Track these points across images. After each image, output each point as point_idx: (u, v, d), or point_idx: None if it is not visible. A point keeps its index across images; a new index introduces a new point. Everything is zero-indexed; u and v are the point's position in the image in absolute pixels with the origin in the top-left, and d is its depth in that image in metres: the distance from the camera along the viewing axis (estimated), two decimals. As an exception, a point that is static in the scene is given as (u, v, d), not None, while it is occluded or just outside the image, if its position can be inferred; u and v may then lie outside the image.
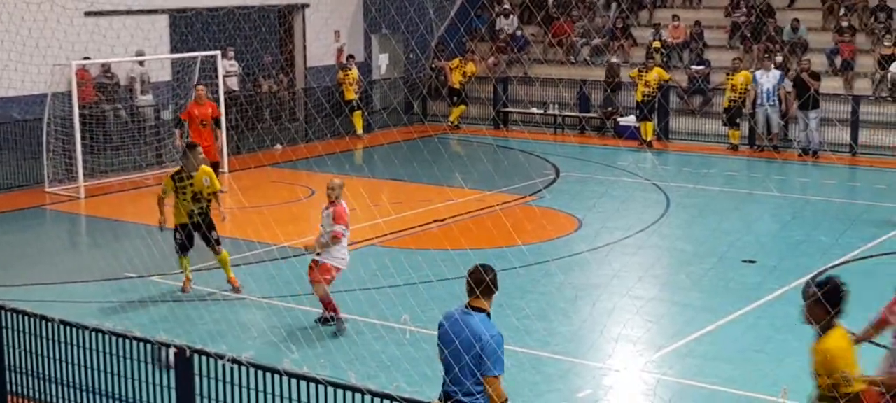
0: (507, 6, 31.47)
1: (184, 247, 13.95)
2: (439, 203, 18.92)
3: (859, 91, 25.35)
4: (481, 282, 7.44)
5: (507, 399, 7.37)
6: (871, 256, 15.70)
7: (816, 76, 24.02)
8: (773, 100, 24.23)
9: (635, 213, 18.43)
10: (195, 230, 13.89)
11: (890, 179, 21.42)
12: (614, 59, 28.41)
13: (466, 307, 7.48)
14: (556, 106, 28.15)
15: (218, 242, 14.03)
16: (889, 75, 24.92)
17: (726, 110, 24.96)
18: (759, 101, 24.31)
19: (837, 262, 15.16)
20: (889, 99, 24.79)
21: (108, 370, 8.85)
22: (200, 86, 20.83)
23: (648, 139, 25.47)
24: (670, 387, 10.90)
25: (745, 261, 15.38)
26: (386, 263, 14.76)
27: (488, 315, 7.49)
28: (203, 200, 13.91)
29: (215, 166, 20.10)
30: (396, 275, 13.82)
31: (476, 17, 31.71)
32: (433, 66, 29.98)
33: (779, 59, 25.42)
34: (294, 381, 7.60)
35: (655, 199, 19.75)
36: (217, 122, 20.47)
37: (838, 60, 26.21)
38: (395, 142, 24.49)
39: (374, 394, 7.23)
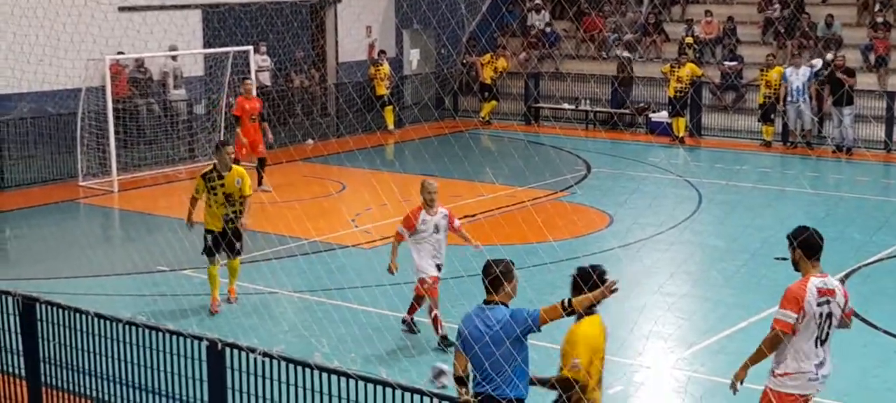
0: (538, 1, 31.39)
1: (211, 252, 13.28)
2: (470, 198, 18.92)
3: (894, 87, 25.10)
4: (499, 275, 7.37)
5: (562, 299, 7.36)
6: (906, 254, 15.58)
7: (851, 72, 23.82)
8: (805, 97, 24.03)
9: (667, 209, 18.36)
10: (230, 235, 13.19)
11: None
12: (625, 54, 28.39)
13: (487, 303, 7.42)
14: (588, 101, 28.09)
15: (239, 252, 13.45)
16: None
17: (761, 106, 24.81)
18: (789, 98, 24.11)
19: (871, 260, 15.04)
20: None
21: (142, 363, 8.91)
22: (249, 81, 20.97)
23: (680, 135, 25.35)
24: (702, 384, 10.86)
25: (777, 258, 15.24)
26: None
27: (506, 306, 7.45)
28: (236, 203, 13.26)
29: (262, 162, 20.23)
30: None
31: (507, 12, 31.66)
32: (464, 61, 29.97)
33: (829, 56, 25.12)
34: (325, 375, 7.62)
35: (687, 196, 19.67)
36: (261, 116, 20.53)
37: (873, 56, 25.97)
38: (426, 138, 24.50)
39: (404, 389, 7.24)
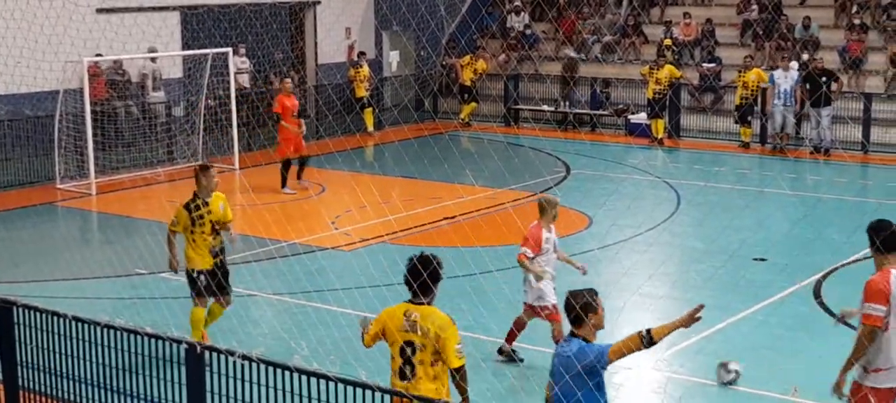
0: (517, 3, 31.45)
1: (202, 294, 11.63)
2: (450, 200, 18.93)
3: (871, 89, 25.26)
4: (582, 308, 7.10)
5: (640, 330, 6.96)
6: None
7: (834, 75, 23.95)
8: (790, 102, 24.12)
9: (646, 211, 18.41)
10: (220, 274, 11.65)
11: (902, 177, 21.41)
12: (572, 54, 28.53)
13: (571, 335, 7.20)
14: (567, 103, 28.16)
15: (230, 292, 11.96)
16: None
17: (738, 108, 24.91)
18: (776, 101, 24.17)
19: (848, 260, 15.12)
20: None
21: (120, 366, 8.87)
22: (288, 79, 21.22)
23: (659, 136, 25.42)
24: (681, 385, 10.90)
25: (755, 259, 15.35)
26: (396, 260, 14.75)
27: (587, 341, 7.11)
28: (220, 233, 11.76)
29: (304, 159, 20.53)
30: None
31: (487, 14, 31.70)
32: (444, 63, 29.98)
33: (805, 57, 25.20)
34: (304, 377, 7.61)
35: (666, 197, 19.72)
36: (300, 114, 20.62)
37: (849, 58, 26.11)
38: (405, 140, 24.50)
39: (384, 391, 7.24)
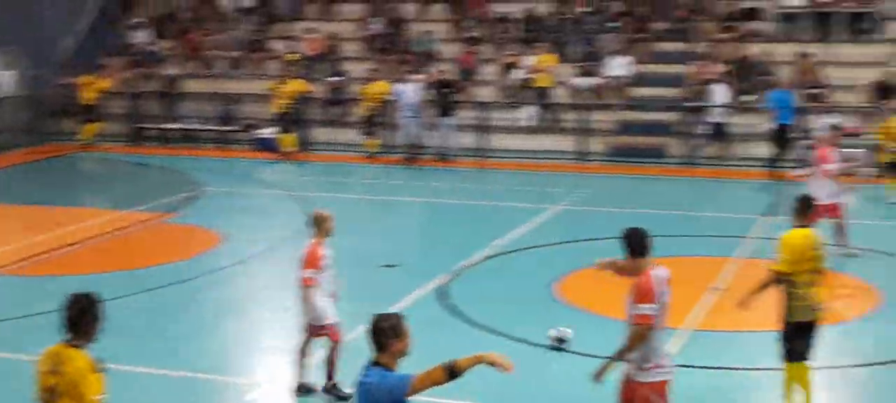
0: (140, 19, 30.65)
1: None
2: (73, 225, 18.10)
3: (487, 97, 26.65)
4: (386, 333, 6.69)
5: (445, 362, 6.56)
6: (503, 254, 16.55)
7: (454, 85, 25.13)
8: (417, 113, 24.96)
9: (278, 225, 18.49)
10: None
11: (519, 180, 22.78)
12: (173, 71, 28.55)
13: (371, 364, 6.73)
14: (195, 120, 27.79)
15: None
16: (511, 81, 26.55)
17: (365, 120, 25.53)
18: (403, 114, 24.96)
19: (471, 261, 15.87)
20: (513, 103, 26.33)
21: None
22: None
23: (289, 150, 25.56)
24: (321, 397, 11.01)
25: (386, 266, 15.78)
26: (13, 293, 13.94)
27: (389, 369, 6.64)
28: None
29: None
30: (31, 305, 13.05)
31: (109, 31, 30.64)
32: (63, 82, 28.64)
33: (426, 69, 26.16)
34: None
35: (297, 209, 19.86)
36: None
37: (462, 69, 27.45)
38: (22, 163, 23.24)
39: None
